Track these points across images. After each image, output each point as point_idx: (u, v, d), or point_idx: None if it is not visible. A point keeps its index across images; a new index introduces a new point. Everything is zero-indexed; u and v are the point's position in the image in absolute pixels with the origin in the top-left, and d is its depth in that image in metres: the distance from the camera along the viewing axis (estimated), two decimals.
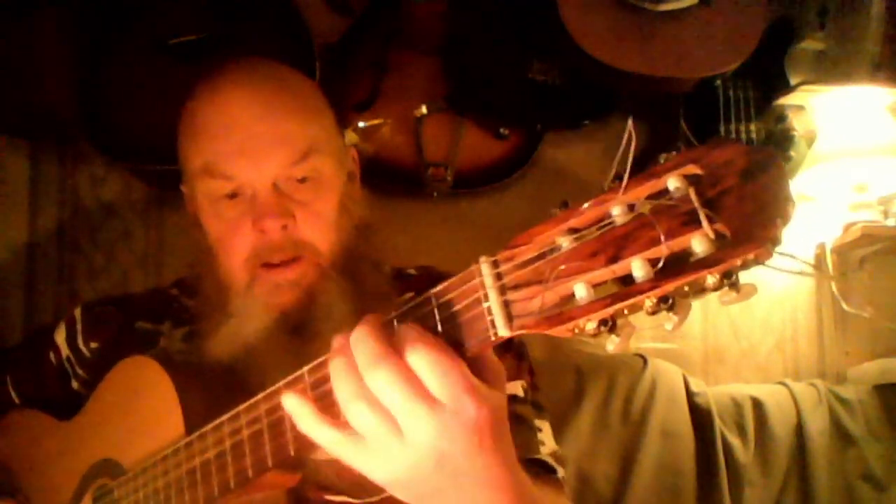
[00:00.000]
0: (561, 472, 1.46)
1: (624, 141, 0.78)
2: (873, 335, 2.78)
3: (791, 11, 2.58)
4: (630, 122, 0.78)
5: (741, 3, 2.40)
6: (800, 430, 2.55)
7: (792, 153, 2.58)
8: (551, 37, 2.41)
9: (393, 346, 0.92)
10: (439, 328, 0.93)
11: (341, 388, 0.94)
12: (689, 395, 2.55)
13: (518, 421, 1.47)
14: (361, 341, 0.94)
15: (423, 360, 0.90)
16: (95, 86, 2.32)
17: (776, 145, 2.58)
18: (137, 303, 1.73)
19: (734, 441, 2.50)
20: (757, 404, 2.57)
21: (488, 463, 0.95)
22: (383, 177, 2.48)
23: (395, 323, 0.97)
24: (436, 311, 0.94)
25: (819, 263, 2.78)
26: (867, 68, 2.52)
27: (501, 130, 2.56)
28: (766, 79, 2.58)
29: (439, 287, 0.94)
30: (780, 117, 2.59)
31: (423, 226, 2.64)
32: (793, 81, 2.56)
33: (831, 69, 2.56)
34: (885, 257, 2.77)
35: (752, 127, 2.57)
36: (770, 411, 2.56)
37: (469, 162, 2.56)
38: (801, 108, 2.61)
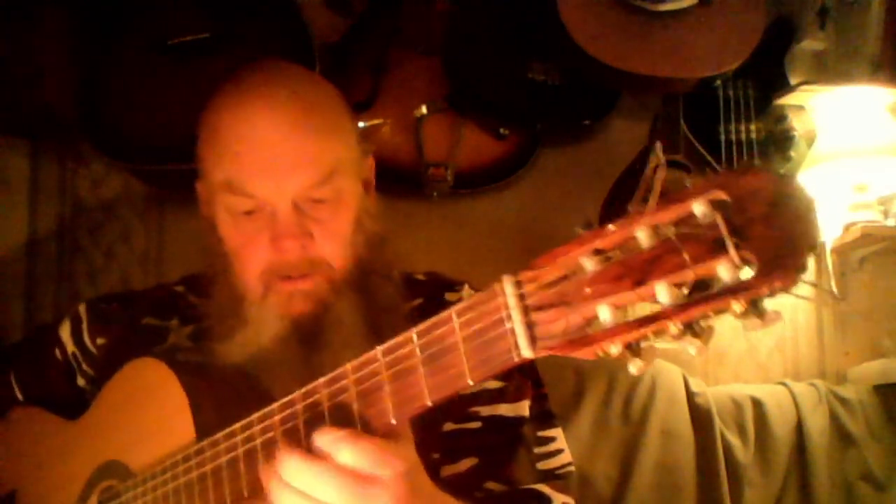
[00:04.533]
0: (557, 500, 1.45)
1: (651, 166, 0.78)
2: (873, 335, 2.78)
3: (791, 11, 2.58)
4: (658, 146, 0.78)
5: (741, 3, 2.39)
6: (800, 430, 2.56)
7: (792, 153, 2.58)
8: (551, 37, 2.40)
9: (321, 456, 1.02)
10: (460, 346, 0.93)
11: None
12: (689, 395, 2.56)
13: (519, 444, 1.47)
14: (296, 468, 1.03)
15: (351, 455, 1.00)
16: (95, 86, 2.31)
17: (776, 145, 2.59)
18: (142, 299, 1.73)
19: (734, 441, 2.51)
20: (757, 404, 2.58)
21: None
22: (383, 177, 2.47)
23: (415, 338, 0.98)
24: (457, 328, 0.93)
25: (819, 264, 2.79)
26: (867, 68, 2.53)
27: (501, 130, 2.56)
28: (766, 79, 2.58)
29: (461, 305, 0.94)
30: (780, 117, 2.60)
31: (423, 226, 2.63)
32: (793, 81, 2.56)
33: (831, 69, 2.56)
34: (885, 257, 2.77)
35: (752, 127, 2.57)
36: (770, 411, 2.57)
37: (469, 162, 2.56)
38: (801, 108, 2.61)
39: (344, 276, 1.44)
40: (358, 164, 1.53)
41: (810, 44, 2.56)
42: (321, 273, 1.43)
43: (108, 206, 2.58)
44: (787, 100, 2.57)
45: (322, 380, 1.08)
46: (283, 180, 1.39)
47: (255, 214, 1.42)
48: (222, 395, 1.33)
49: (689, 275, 0.76)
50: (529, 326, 0.86)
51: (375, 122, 2.48)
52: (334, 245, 1.43)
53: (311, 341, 1.41)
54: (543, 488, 1.45)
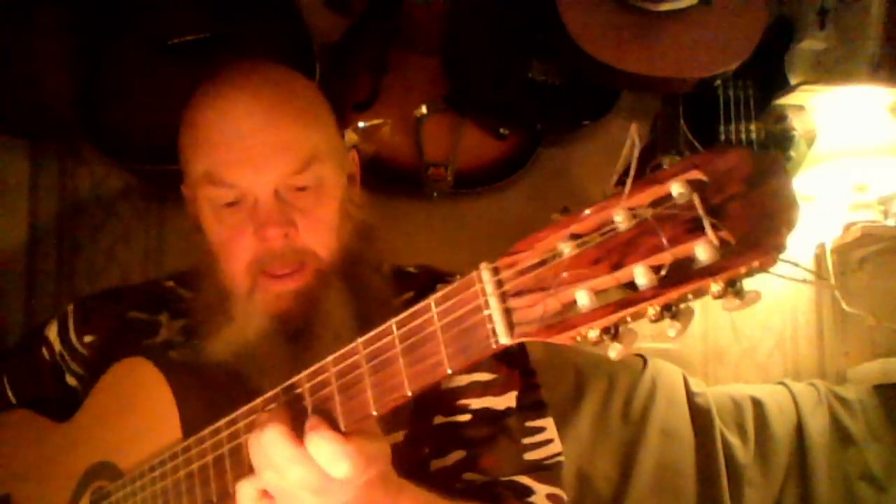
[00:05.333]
0: (541, 491, 1.44)
1: (626, 146, 0.78)
2: (873, 335, 2.78)
3: (791, 11, 2.58)
4: (633, 127, 0.78)
5: (741, 3, 2.39)
6: (800, 430, 2.55)
7: (792, 153, 2.57)
8: (551, 37, 2.40)
9: (301, 443, 1.02)
10: (439, 335, 0.92)
11: (268, 483, 1.06)
12: (689, 395, 2.55)
13: (505, 435, 1.46)
14: (275, 443, 1.03)
15: (326, 458, 1.01)
16: (95, 86, 2.32)
17: (776, 145, 2.58)
18: (130, 294, 1.73)
19: (734, 441, 2.50)
20: (757, 404, 2.57)
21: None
22: (383, 177, 2.48)
23: (395, 328, 0.97)
24: (435, 317, 0.93)
25: (819, 264, 2.78)
26: (867, 68, 2.52)
27: (501, 130, 2.56)
28: (766, 79, 2.57)
29: (439, 293, 0.93)
30: (780, 117, 2.59)
31: (423, 226, 2.64)
32: (793, 81, 2.55)
33: (831, 69, 2.55)
34: (885, 257, 2.77)
35: (752, 127, 2.56)
36: (770, 411, 2.56)
37: (469, 162, 2.55)
38: (801, 108, 2.60)
39: (332, 265, 1.44)
40: (340, 154, 1.53)
41: (810, 44, 2.55)
42: (308, 266, 1.42)
43: (108, 206, 2.58)
44: (787, 100, 2.56)
45: (304, 373, 1.08)
46: (262, 168, 1.39)
47: (237, 206, 1.41)
48: (209, 394, 1.33)
49: (667, 256, 0.75)
50: (507, 312, 0.86)
51: (375, 122, 2.47)
52: (319, 234, 1.43)
53: (299, 337, 1.40)
54: (525, 479, 1.44)
